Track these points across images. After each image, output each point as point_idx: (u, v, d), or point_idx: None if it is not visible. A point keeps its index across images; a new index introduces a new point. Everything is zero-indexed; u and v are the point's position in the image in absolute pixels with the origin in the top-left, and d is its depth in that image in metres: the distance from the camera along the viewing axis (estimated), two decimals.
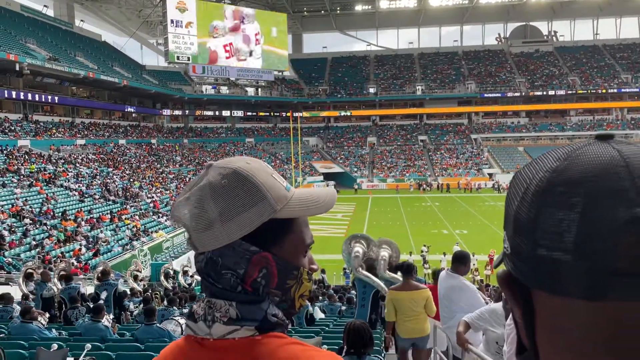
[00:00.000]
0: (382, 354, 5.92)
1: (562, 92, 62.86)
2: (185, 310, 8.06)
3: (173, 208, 0.82)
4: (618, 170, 0.41)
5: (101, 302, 7.59)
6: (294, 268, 0.83)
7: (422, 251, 23.08)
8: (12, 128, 36.32)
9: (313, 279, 0.90)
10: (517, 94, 63.98)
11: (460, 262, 4.48)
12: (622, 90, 61.30)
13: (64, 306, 8.72)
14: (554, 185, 0.43)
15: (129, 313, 9.38)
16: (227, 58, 60.12)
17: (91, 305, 7.56)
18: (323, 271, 20.13)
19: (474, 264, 19.23)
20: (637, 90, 60.41)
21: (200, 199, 0.79)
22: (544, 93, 63.42)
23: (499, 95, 64.38)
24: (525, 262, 0.45)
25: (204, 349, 0.80)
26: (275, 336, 0.81)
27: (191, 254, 22.93)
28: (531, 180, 0.46)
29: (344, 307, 10.48)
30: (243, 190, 0.79)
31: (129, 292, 8.80)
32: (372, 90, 67.30)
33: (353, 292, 9.52)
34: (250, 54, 61.96)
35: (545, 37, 72.91)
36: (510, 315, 1.66)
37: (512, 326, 1.65)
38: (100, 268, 11.16)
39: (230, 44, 60.36)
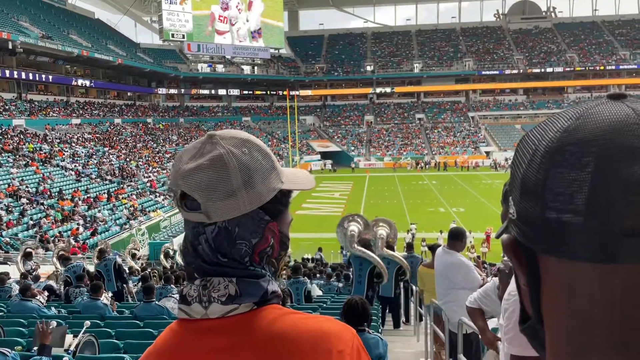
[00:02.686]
0: (380, 330, 5.98)
1: (560, 69, 62.51)
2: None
3: (179, 177, 0.78)
4: (633, 128, 0.40)
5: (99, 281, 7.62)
6: (287, 239, 0.86)
7: (409, 229, 23.10)
8: (7, 107, 36.02)
9: None
10: (515, 71, 63.59)
11: (457, 238, 4.49)
12: (620, 67, 61.00)
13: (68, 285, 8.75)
14: (565, 145, 0.42)
15: (132, 285, 9.42)
16: (220, 21, 59.26)
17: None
18: (320, 249, 20.24)
19: (470, 241, 19.35)
20: (636, 66, 60.11)
21: (223, 167, 0.77)
22: (542, 70, 63.05)
23: (497, 72, 63.99)
24: (532, 227, 0.44)
25: (201, 330, 0.79)
26: (272, 308, 0.80)
27: None
28: (540, 141, 0.44)
29: (341, 285, 10.57)
30: (262, 159, 0.80)
31: (127, 270, 8.84)
32: (369, 68, 66.78)
33: (350, 269, 9.60)
34: (247, 19, 61.16)
35: (544, 14, 72.17)
36: (508, 289, 1.66)
37: (510, 300, 1.64)
38: (100, 247, 11.22)
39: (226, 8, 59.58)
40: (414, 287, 8.95)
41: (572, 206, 0.40)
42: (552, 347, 0.46)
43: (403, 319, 9.16)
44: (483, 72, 64.22)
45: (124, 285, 8.77)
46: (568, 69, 62.44)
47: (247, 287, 0.79)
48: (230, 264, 0.79)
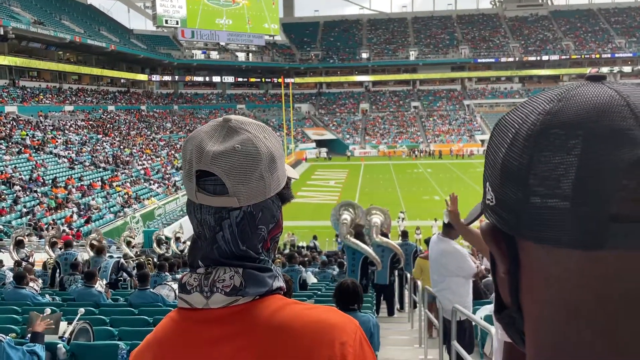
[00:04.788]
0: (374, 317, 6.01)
1: (555, 57, 62.48)
2: (179, 276, 8.12)
3: (208, 159, 0.75)
4: (620, 110, 0.39)
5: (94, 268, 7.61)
6: (281, 225, 0.87)
7: (399, 217, 23.11)
8: None
9: None
10: (511, 59, 63.52)
11: (451, 226, 4.49)
12: (616, 55, 61.04)
13: (58, 272, 8.74)
14: (549, 128, 0.40)
15: (128, 277, 9.40)
16: None
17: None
18: (315, 237, 20.29)
19: None
20: (631, 55, 60.16)
21: (255, 150, 0.77)
22: (538, 58, 63.01)
23: (493, 60, 63.91)
24: (514, 213, 0.42)
25: (200, 320, 0.78)
26: (275, 298, 0.80)
27: (184, 220, 22.91)
28: (521, 125, 0.42)
29: (335, 272, 10.60)
30: (278, 145, 0.81)
31: (123, 261, 8.83)
32: (364, 55, 66.48)
33: (344, 257, 9.64)
34: None
35: (540, 1, 71.93)
36: None
37: None
38: (94, 235, 11.19)
39: None
40: (408, 275, 8.99)
41: (558, 191, 0.39)
42: (533, 335, 0.45)
43: (397, 306, 9.21)
44: (479, 60, 64.10)
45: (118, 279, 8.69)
46: (564, 57, 62.42)
47: (252, 281, 0.78)
48: (244, 253, 0.79)
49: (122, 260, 8.76)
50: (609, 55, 61.13)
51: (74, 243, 16.10)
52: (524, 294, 0.45)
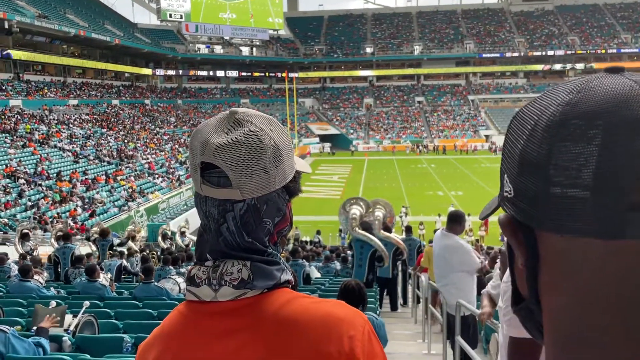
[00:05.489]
0: (377, 312, 6.02)
1: (561, 53, 62.10)
2: (183, 270, 8.15)
3: (212, 151, 0.75)
4: (639, 100, 0.39)
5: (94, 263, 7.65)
6: (291, 219, 0.86)
7: (401, 212, 23.05)
8: (3, 88, 35.73)
9: None
10: (516, 54, 63.19)
11: (456, 221, 4.48)
12: (622, 50, 60.60)
13: (59, 266, 8.78)
14: (569, 119, 0.40)
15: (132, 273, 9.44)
16: None
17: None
18: (319, 232, 20.31)
19: (468, 225, 19.39)
20: (637, 50, 59.73)
21: (258, 142, 0.76)
22: (543, 53, 62.63)
23: (498, 55, 63.57)
24: (533, 203, 0.42)
25: (209, 313, 0.78)
26: (282, 292, 0.79)
27: (189, 214, 22.97)
28: (540, 116, 0.42)
29: (338, 267, 10.62)
30: (285, 138, 0.81)
31: (125, 263, 8.85)
32: (369, 50, 66.25)
33: (349, 252, 9.64)
34: None
35: None
36: (507, 271, 1.65)
37: (509, 283, 1.63)
38: (96, 228, 11.24)
39: None
40: (411, 271, 8.98)
41: (578, 180, 0.39)
42: (552, 327, 0.45)
43: (401, 301, 9.22)
44: (483, 55, 63.78)
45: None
46: (569, 52, 62.02)
47: (260, 274, 0.77)
48: (250, 245, 0.78)
49: (124, 262, 8.78)
50: (614, 51, 60.70)
51: (78, 237, 16.19)
52: (542, 286, 0.45)
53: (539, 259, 0.44)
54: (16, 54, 37.80)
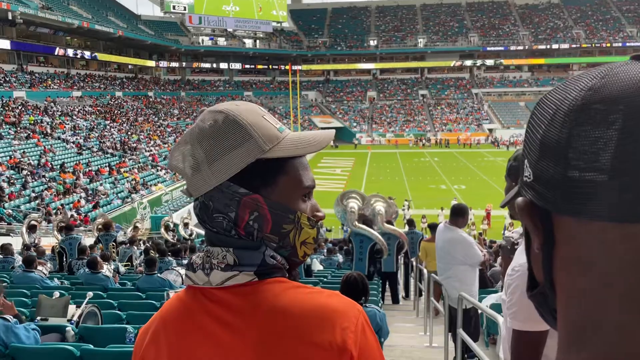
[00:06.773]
0: (379, 304, 6.04)
1: (566, 46, 61.71)
2: (184, 262, 8.18)
3: (169, 155, 0.84)
4: None
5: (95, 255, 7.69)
6: (289, 212, 0.81)
7: (404, 206, 23.05)
8: (7, 79, 35.76)
9: (319, 227, 0.87)
10: (520, 48, 62.83)
11: (459, 214, 4.48)
12: (627, 44, 60.11)
13: (65, 257, 8.82)
14: (590, 103, 0.40)
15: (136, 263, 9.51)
16: None
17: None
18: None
19: (470, 218, 19.38)
20: None
21: (189, 142, 0.81)
22: (548, 47, 62.27)
23: (502, 48, 63.21)
24: (551, 187, 0.42)
25: (206, 299, 0.79)
26: (277, 281, 0.79)
27: (191, 206, 23.04)
28: (562, 101, 0.43)
29: (341, 259, 10.64)
30: (228, 130, 0.79)
31: (122, 269, 8.94)
32: (372, 42, 65.98)
33: (349, 245, 9.66)
34: None
35: None
36: (511, 265, 1.65)
37: (514, 275, 1.63)
38: (101, 220, 11.29)
39: None
40: (414, 263, 9.00)
41: (597, 164, 0.39)
42: (566, 311, 0.45)
43: (403, 294, 9.24)
44: (488, 48, 63.45)
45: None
46: (574, 45, 61.63)
47: (244, 256, 0.78)
48: (224, 234, 0.80)
49: (120, 266, 8.84)
50: (620, 44, 60.26)
51: (82, 228, 16.26)
52: (557, 270, 0.45)
53: (555, 243, 0.45)
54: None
